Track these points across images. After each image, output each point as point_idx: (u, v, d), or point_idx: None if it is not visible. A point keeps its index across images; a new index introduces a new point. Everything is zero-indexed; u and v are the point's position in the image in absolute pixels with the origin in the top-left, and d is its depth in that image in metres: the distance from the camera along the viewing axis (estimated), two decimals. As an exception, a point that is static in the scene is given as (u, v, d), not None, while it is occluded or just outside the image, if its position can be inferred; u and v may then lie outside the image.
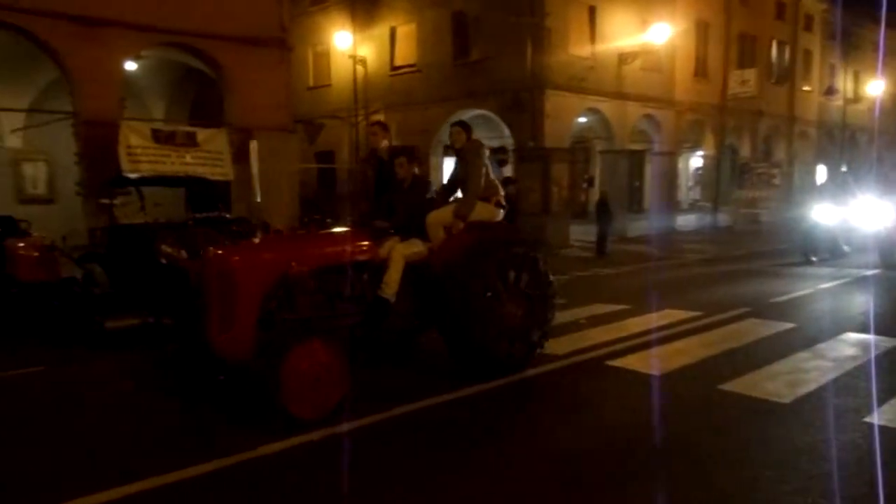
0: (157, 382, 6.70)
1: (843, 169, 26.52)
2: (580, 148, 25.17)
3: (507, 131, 21.76)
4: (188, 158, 13.65)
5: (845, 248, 15.61)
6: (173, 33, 13.77)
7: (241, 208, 14.13)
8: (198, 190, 12.65)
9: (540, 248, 7.20)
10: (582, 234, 19.71)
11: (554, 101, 20.47)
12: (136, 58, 14.65)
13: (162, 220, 11.05)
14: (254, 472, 4.56)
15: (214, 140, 14.16)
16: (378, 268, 6.15)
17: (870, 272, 13.13)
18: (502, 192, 6.91)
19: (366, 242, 6.18)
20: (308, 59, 26.35)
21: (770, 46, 30.93)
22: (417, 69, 23.41)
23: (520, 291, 6.61)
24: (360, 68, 24.18)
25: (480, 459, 4.77)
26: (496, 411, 5.78)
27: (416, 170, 6.82)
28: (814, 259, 14.76)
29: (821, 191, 17.02)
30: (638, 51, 22.75)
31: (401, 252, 6.19)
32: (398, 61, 24.24)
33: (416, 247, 6.34)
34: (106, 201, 10.82)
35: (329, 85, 26.23)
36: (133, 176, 11.92)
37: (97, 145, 12.82)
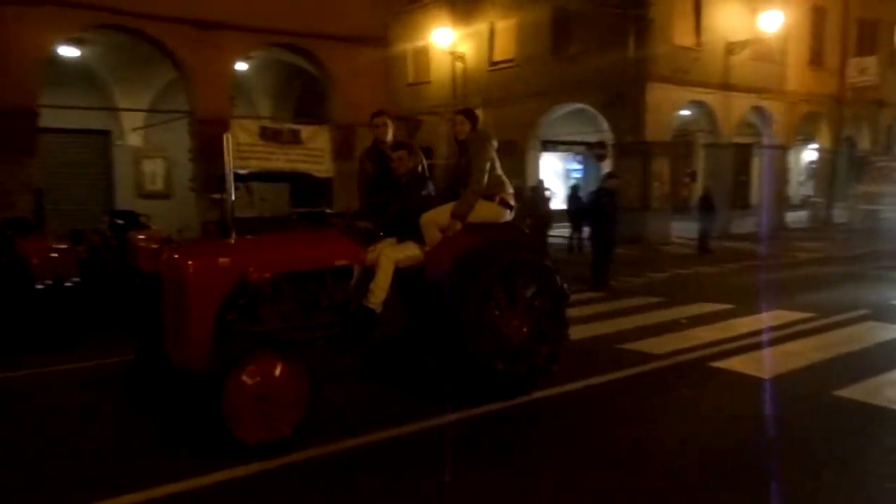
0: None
1: None
2: (682, 142, 24.34)
3: (606, 125, 21.32)
4: (292, 155, 14.16)
5: None
6: (281, 34, 14.28)
7: (341, 204, 14.54)
8: (301, 186, 13.14)
9: (550, 255, 6.28)
10: (683, 230, 19.11)
11: (656, 94, 19.88)
12: (245, 58, 15.29)
13: (267, 214, 11.54)
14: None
15: (317, 137, 14.61)
16: (368, 273, 5.52)
17: None
18: (510, 190, 6.04)
19: (346, 245, 5.53)
20: (408, 55, 26.69)
21: (893, 31, 28.83)
22: (516, 64, 23.29)
23: (525, 304, 5.80)
24: (458, 64, 24.30)
25: (564, 464, 4.72)
26: (582, 413, 5.70)
27: (423, 165, 6.11)
28: None
29: None
30: (747, 40, 21.75)
31: (390, 256, 5.53)
32: (497, 56, 24.19)
33: (408, 250, 5.67)
34: (217, 196, 11.39)
35: (428, 81, 26.49)
36: (242, 172, 12.47)
37: (209, 143, 13.47)
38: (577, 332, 8.23)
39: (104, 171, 17.31)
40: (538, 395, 5.86)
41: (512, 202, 6.02)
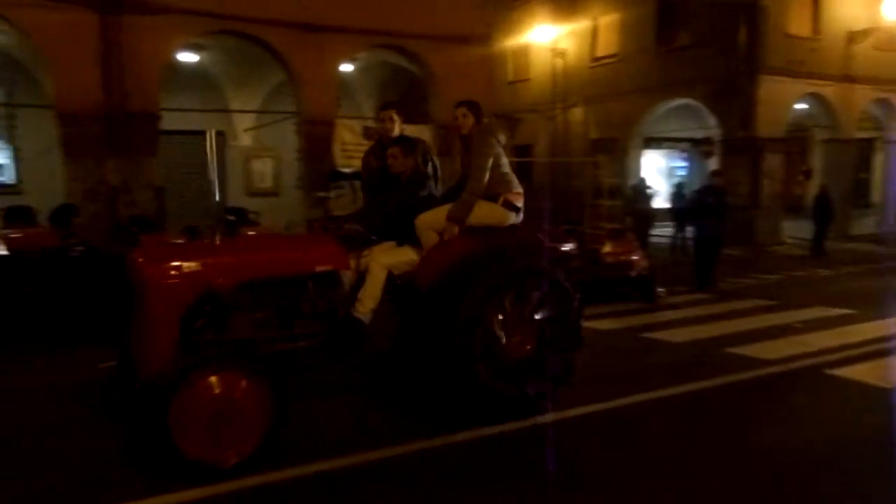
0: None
1: None
2: (797, 137, 23.09)
3: (712, 121, 20.51)
4: (395, 154, 14.43)
5: None
6: (386, 35, 14.57)
7: (442, 201, 14.72)
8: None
9: (562, 262, 5.67)
10: (796, 230, 18.18)
11: (768, 87, 18.95)
12: (351, 60, 15.70)
13: (371, 211, 11.82)
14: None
15: (420, 136, 14.82)
16: (362, 280, 5.11)
17: None
18: (517, 189, 5.41)
19: (329, 249, 5.06)
20: (508, 53, 26.63)
21: None
22: (619, 59, 22.78)
23: (528, 317, 5.21)
24: (559, 61, 24.04)
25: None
26: (683, 418, 5.52)
27: (432, 163, 5.69)
28: None
29: None
30: (870, 28, 20.40)
31: (381, 262, 5.09)
32: (599, 52, 23.74)
33: (403, 255, 5.20)
34: (322, 194, 11.76)
35: (529, 79, 26.33)
36: (346, 171, 12.81)
37: (315, 142, 13.96)
38: (678, 335, 8.06)
39: (218, 171, 18.19)
40: (634, 398, 5.73)
41: (519, 203, 5.39)
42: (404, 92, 18.61)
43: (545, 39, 24.12)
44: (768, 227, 18.33)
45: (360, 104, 18.88)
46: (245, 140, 18.10)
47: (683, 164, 25.08)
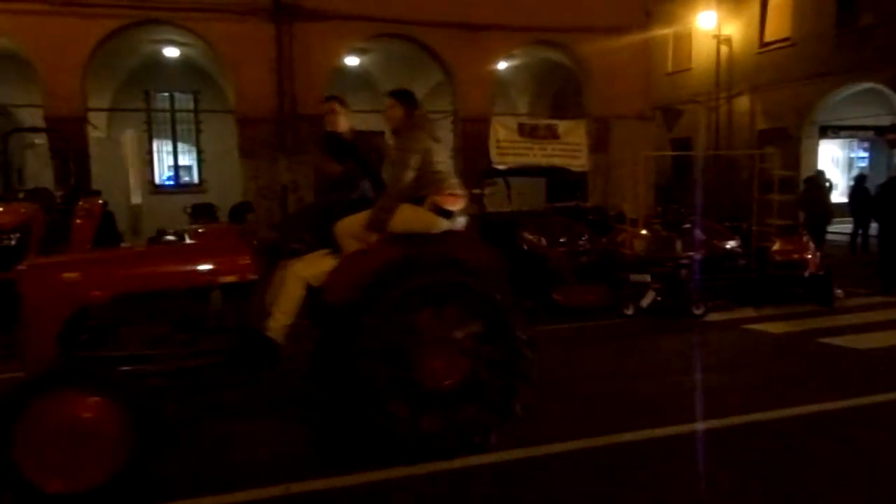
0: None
1: None
2: None
3: (901, 106, 18.67)
4: (549, 150, 14.37)
5: None
6: (541, 31, 14.56)
7: (597, 198, 14.46)
8: (557, 180, 13.29)
9: (499, 279, 4.62)
10: None
11: (969, 68, 16.97)
12: (506, 57, 15.81)
13: (524, 208, 11.84)
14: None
15: (574, 132, 14.67)
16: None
17: None
18: (455, 191, 4.64)
19: (239, 259, 4.51)
20: (668, 42, 25.62)
21: None
22: (791, 43, 21.22)
23: (458, 341, 4.43)
24: (723, 48, 22.81)
25: None
26: (877, 430, 5.06)
27: (372, 157, 5.17)
28: None
29: None
30: None
31: (299, 273, 4.54)
32: (768, 36, 22.25)
33: (326, 266, 4.58)
34: (477, 191, 11.96)
35: (689, 69, 25.19)
36: (501, 167, 12.93)
37: (471, 140, 14.20)
38: (865, 341, 7.42)
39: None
40: (811, 408, 5.34)
41: (453, 206, 4.59)
42: (560, 87, 18.49)
43: (708, 26, 22.99)
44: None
45: (514, 101, 18.97)
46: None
47: (865, 154, 23.02)
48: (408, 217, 4.55)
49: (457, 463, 4.32)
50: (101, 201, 9.16)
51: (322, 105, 5.69)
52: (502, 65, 16.37)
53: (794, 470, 4.36)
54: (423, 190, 4.58)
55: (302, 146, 13.02)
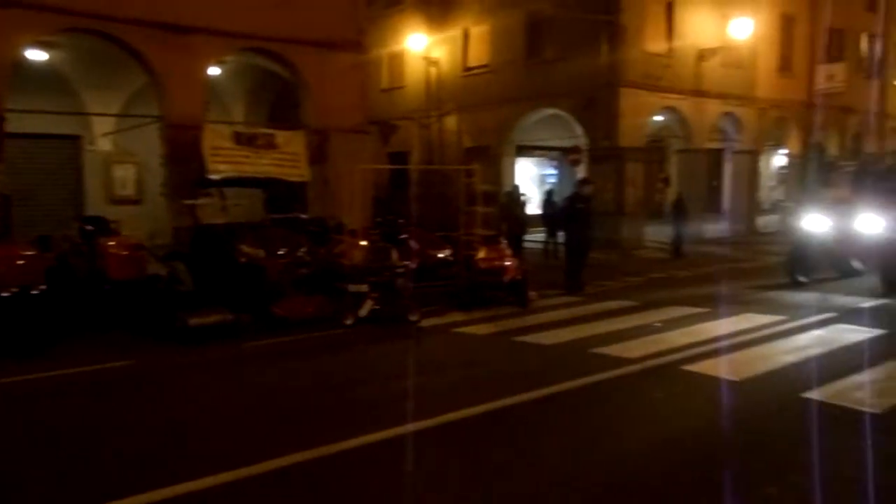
0: (236, 377, 6.96)
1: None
2: (656, 147, 24.57)
3: (580, 131, 21.47)
4: (267, 160, 14.01)
5: (855, 264, 12.87)
6: (255, 38, 14.18)
7: (316, 209, 14.46)
8: (276, 191, 13.05)
9: None
10: (657, 234, 19.30)
11: (629, 100, 20.07)
12: (218, 63, 15.16)
13: (241, 220, 11.45)
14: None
15: (292, 142, 14.48)
16: None
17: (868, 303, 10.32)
18: None
19: None
20: (383, 60, 26.67)
21: (859, 39, 29.41)
22: (490, 69, 23.38)
23: None
24: (433, 69, 24.34)
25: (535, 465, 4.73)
26: (553, 418, 5.72)
27: None
28: (803, 280, 12.14)
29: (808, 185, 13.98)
30: (718, 47, 22.06)
31: None
32: (471, 62, 24.26)
33: None
34: (189, 202, 11.29)
35: (403, 86, 26.48)
36: (215, 177, 12.35)
37: (182, 148, 13.32)
38: (550, 338, 8.33)
39: (74, 177, 17.04)
40: (507, 401, 5.87)
41: None
42: (277, 96, 18.22)
43: (419, 48, 24.37)
44: (632, 231, 19.35)
45: (229, 108, 18.27)
46: (105, 145, 17.05)
47: (554, 171, 26.04)
48: None
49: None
50: None
51: None
52: (216, 70, 15.68)
53: (492, 457, 4.73)
54: None
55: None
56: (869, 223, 11.67)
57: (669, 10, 21.31)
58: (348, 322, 9.25)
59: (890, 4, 30.38)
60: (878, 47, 30.30)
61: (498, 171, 22.36)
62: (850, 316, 9.28)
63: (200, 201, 11.44)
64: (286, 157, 14.34)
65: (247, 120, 17.99)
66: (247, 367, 7.45)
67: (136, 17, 12.52)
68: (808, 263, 12.30)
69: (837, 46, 27.99)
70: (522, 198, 17.75)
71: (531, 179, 24.98)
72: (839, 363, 6.94)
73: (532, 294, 10.92)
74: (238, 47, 14.42)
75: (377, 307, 9.45)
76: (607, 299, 11.14)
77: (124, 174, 17.44)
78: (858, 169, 14.46)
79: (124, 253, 9.53)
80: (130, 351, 7.92)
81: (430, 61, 24.19)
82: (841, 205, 12.69)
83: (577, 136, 21.61)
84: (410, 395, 5.99)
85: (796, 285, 11.96)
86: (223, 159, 13.56)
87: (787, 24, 25.75)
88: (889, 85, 31.26)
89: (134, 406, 6.13)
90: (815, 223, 12.40)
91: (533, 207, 20.23)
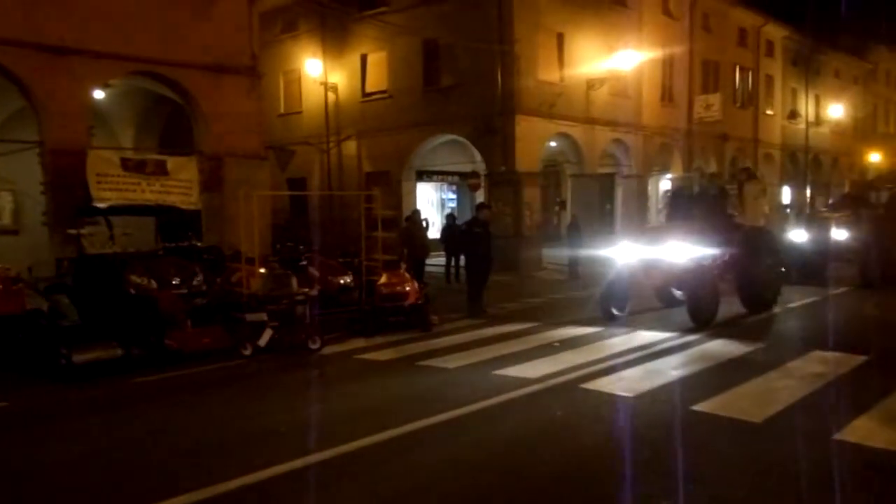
0: (126, 414, 6.59)
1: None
2: (551, 172, 25.41)
3: (478, 156, 21.92)
4: (158, 187, 13.52)
5: (677, 293, 12.03)
6: (143, 62, 13.70)
7: (211, 237, 14.02)
8: (168, 219, 12.56)
9: None
10: (555, 256, 19.84)
11: (524, 126, 20.68)
12: (104, 86, 14.54)
13: (131, 249, 10.94)
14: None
15: (184, 168, 14.05)
16: None
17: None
18: None
19: None
20: (279, 85, 26.36)
21: (734, 72, 31.61)
22: (388, 95, 23.54)
23: None
24: (331, 95, 24.25)
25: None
26: (461, 437, 5.75)
27: None
28: (618, 313, 11.05)
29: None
30: (605, 77, 23.12)
31: None
32: (369, 88, 24.35)
33: None
34: (73, 231, 10.69)
35: (300, 112, 26.24)
36: (102, 205, 11.78)
37: (64, 174, 12.65)
38: (453, 361, 8.37)
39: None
40: (410, 427, 5.84)
41: None
42: (167, 122, 17.65)
43: (315, 73, 24.26)
44: (531, 254, 19.80)
45: (117, 133, 17.56)
46: (-24, 172, 15.96)
47: (454, 196, 26.40)
48: None
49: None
50: None
51: None
52: (101, 95, 15.03)
53: (394, 484, 4.69)
54: None
55: None
56: (674, 251, 10.66)
57: (560, 40, 22.19)
58: (247, 352, 8.98)
59: (759, 40, 32.90)
60: (749, 79, 32.66)
61: (399, 196, 22.45)
62: (733, 331, 9.82)
63: (85, 230, 10.86)
64: (177, 184, 13.88)
65: (137, 145, 17.33)
66: (137, 405, 7.07)
67: (13, 38, 11.86)
68: (621, 295, 11.20)
69: (714, 78, 29.99)
70: (423, 222, 17.87)
71: (432, 204, 25.22)
72: (724, 376, 7.33)
73: (434, 318, 10.96)
74: (126, 71, 13.89)
75: (276, 336, 9.23)
76: (509, 321, 11.32)
77: (0, 203, 16.39)
78: (673, 193, 13.76)
79: (-1, 287, 8.92)
80: (6, 391, 7.37)
81: (328, 87, 24.11)
82: (653, 232, 12.44)
83: (475, 161, 22.03)
84: (312, 425, 5.88)
85: (611, 319, 10.88)
86: (110, 186, 12.99)
87: (667, 57, 27.35)
88: (761, 114, 33.71)
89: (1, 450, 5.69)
90: (625, 253, 11.26)
91: (434, 232, 20.39)
